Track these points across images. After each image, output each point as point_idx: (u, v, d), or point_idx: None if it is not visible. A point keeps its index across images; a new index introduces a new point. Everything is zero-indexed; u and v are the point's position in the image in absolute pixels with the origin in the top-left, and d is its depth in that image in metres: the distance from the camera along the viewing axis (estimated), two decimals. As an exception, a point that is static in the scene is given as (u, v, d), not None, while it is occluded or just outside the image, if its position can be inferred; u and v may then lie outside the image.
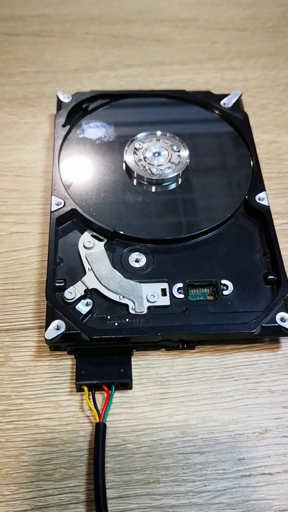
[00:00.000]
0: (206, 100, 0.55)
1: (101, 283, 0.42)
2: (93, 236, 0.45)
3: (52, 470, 0.36)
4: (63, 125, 0.52)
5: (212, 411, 0.39)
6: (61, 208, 0.46)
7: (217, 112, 0.55)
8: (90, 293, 0.41)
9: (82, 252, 0.44)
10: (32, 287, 0.45)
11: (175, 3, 0.72)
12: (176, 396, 0.40)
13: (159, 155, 0.50)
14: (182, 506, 0.35)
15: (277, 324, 0.40)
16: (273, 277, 0.43)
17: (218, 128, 0.54)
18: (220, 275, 0.43)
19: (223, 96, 0.56)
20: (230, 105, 0.55)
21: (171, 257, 0.44)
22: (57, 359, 0.41)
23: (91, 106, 0.55)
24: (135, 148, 0.50)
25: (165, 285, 0.42)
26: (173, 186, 0.49)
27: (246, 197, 0.47)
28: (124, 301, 0.41)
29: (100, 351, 0.40)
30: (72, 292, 0.41)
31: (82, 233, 0.45)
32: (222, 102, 0.55)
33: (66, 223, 0.46)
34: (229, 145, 0.52)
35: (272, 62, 0.65)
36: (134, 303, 0.41)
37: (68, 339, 0.39)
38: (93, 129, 0.53)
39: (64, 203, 0.46)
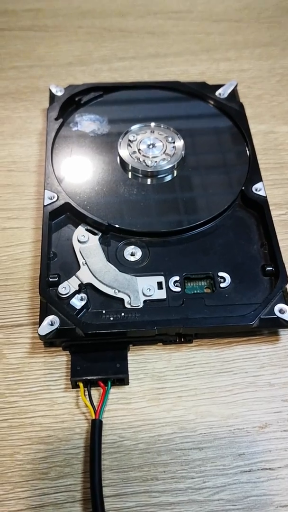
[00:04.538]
0: (201, 91, 0.54)
1: (95, 277, 0.41)
2: (87, 230, 0.44)
3: (47, 468, 0.36)
4: (56, 119, 0.51)
5: (211, 405, 0.38)
6: (54, 202, 0.45)
7: (212, 102, 0.54)
8: (85, 287, 0.41)
9: (76, 246, 0.43)
10: (26, 283, 0.44)
11: (168, -5, 0.71)
12: (174, 391, 0.39)
13: (154, 147, 0.49)
14: (181, 503, 0.34)
15: (275, 316, 0.39)
16: (271, 268, 0.42)
17: (214, 119, 0.53)
18: (217, 267, 0.42)
19: (218, 86, 0.55)
20: (226, 95, 0.54)
21: (167, 250, 0.43)
22: (51, 355, 0.40)
23: (84, 99, 0.54)
24: (129, 140, 0.50)
25: (161, 279, 0.41)
26: (168, 178, 0.48)
27: (243, 188, 0.46)
28: (120, 295, 0.40)
29: (96, 347, 0.39)
30: (66, 287, 0.40)
31: (76, 227, 0.44)
32: (217, 93, 0.54)
33: (60, 218, 0.45)
34: (225, 136, 0.51)
35: (267, 52, 0.64)
36: (129, 297, 0.40)
37: (63, 334, 0.38)
38: (87, 122, 0.52)
39: (57, 197, 0.45)
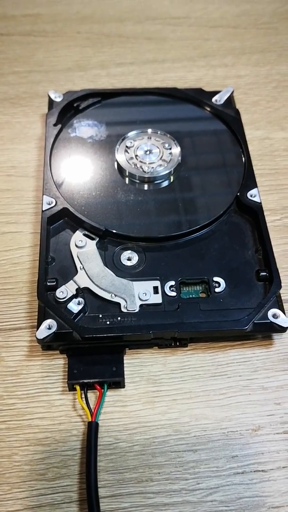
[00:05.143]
0: (198, 97, 0.55)
1: (93, 282, 0.42)
2: (85, 235, 0.45)
3: (44, 469, 0.36)
4: (55, 124, 0.52)
5: (205, 408, 0.39)
6: (52, 207, 0.45)
7: (208, 109, 0.54)
8: (82, 292, 0.41)
9: (74, 251, 0.44)
10: (24, 286, 0.44)
11: (166, 0, 0.72)
12: (169, 394, 0.39)
13: (151, 153, 0.50)
14: (175, 504, 0.35)
15: (269, 321, 0.40)
16: (265, 273, 0.42)
17: (210, 125, 0.54)
18: (212, 272, 0.43)
19: (215, 93, 0.56)
20: (222, 101, 0.55)
21: (163, 255, 0.44)
22: (49, 358, 0.41)
23: (83, 105, 0.55)
24: (127, 146, 0.50)
25: (157, 283, 0.42)
26: (165, 184, 0.49)
27: (238, 194, 0.47)
28: (116, 299, 0.41)
29: (92, 350, 0.40)
30: (64, 291, 0.41)
31: (74, 232, 0.45)
32: (213, 99, 0.55)
33: (58, 222, 0.46)
34: (221, 142, 0.52)
35: (264, 58, 0.64)
36: (126, 301, 0.41)
37: (60, 338, 0.39)
38: (85, 128, 0.53)
39: (56, 202, 0.46)
